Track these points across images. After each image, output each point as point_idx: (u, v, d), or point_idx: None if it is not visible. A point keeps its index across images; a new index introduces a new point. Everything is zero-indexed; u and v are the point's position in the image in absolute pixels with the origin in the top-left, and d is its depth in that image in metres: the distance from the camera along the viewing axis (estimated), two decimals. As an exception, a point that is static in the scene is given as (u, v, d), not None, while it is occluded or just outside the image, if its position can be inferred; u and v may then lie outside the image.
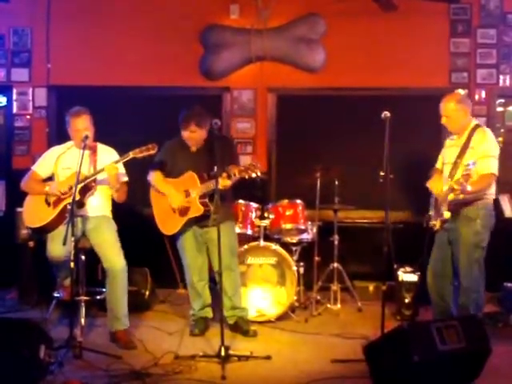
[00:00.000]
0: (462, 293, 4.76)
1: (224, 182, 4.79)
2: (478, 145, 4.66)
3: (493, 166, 4.65)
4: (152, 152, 4.78)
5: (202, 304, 5.28)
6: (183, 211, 5.06)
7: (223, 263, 4.94)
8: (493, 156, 4.66)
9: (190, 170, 5.04)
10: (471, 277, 4.71)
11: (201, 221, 5.06)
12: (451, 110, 4.75)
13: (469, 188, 4.33)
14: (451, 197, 4.54)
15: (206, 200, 4.96)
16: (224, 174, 4.77)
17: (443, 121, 4.83)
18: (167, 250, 6.20)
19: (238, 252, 5.39)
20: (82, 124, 4.93)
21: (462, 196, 4.48)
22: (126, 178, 5.10)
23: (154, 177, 5.21)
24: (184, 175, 5.06)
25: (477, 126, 4.79)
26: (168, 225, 5.15)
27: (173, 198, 5.05)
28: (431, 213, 4.92)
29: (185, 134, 5.08)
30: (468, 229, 4.69)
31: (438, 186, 4.79)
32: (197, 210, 4.99)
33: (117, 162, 4.84)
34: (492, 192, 4.78)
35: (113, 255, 4.88)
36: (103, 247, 4.92)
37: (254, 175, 4.74)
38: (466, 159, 4.64)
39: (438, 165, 5.07)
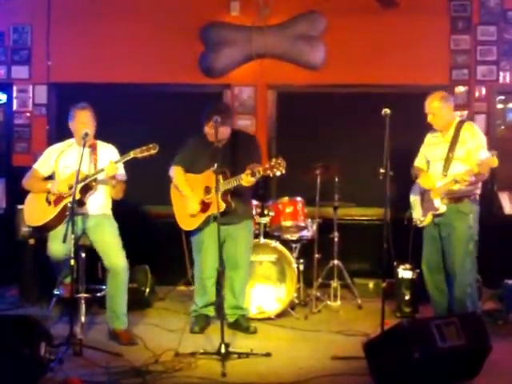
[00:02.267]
0: (457, 287, 4.84)
1: (248, 179, 4.76)
2: (469, 139, 4.83)
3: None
4: (153, 152, 4.74)
5: (206, 301, 5.26)
6: (204, 207, 5.05)
7: (237, 261, 5.11)
8: (484, 147, 4.78)
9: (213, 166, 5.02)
10: (465, 270, 4.80)
11: (221, 217, 5.04)
12: (436, 108, 4.92)
13: (473, 178, 4.55)
14: (457, 187, 4.67)
15: (228, 197, 4.96)
16: (248, 171, 4.75)
17: (429, 119, 4.98)
18: (182, 245, 6.17)
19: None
20: (80, 118, 4.95)
21: (466, 186, 4.64)
22: (125, 178, 5.10)
23: (175, 173, 5.21)
24: (207, 171, 5.03)
25: (462, 122, 4.99)
26: (188, 220, 5.15)
27: (190, 202, 5.06)
28: (415, 210, 5.08)
29: (206, 128, 5.07)
30: (462, 223, 4.81)
31: (430, 181, 4.92)
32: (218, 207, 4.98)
33: (117, 161, 4.82)
34: (479, 187, 4.92)
35: (114, 255, 4.88)
36: (104, 246, 4.91)
37: (278, 173, 4.68)
38: (457, 153, 4.81)
39: (420, 164, 5.19)
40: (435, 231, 4.97)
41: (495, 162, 4.41)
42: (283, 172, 4.69)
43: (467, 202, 4.82)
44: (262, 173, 4.72)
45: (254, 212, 5.71)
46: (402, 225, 6.43)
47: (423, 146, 5.19)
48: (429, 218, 4.93)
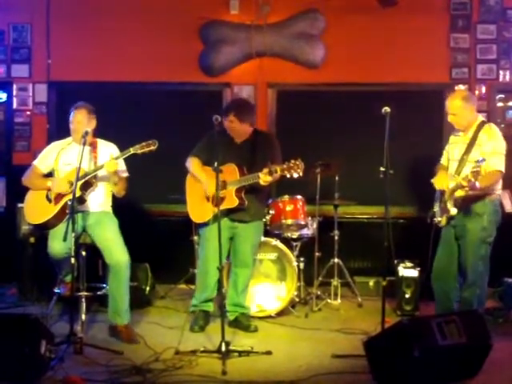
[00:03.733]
0: (467, 288, 4.78)
1: (265, 178, 4.76)
2: (486, 142, 4.66)
3: (500, 164, 4.65)
4: (152, 148, 4.74)
5: (206, 297, 5.24)
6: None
7: (244, 260, 5.13)
8: (501, 153, 4.67)
9: (232, 161, 5.00)
10: (476, 272, 4.72)
11: (233, 214, 5.04)
12: (458, 108, 4.74)
13: (477, 185, 4.34)
14: (459, 193, 4.56)
15: (242, 194, 4.96)
16: (266, 170, 4.74)
17: (450, 119, 4.82)
18: (192, 239, 6.14)
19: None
20: (75, 117, 4.96)
21: (469, 192, 4.50)
22: (126, 174, 5.10)
23: (192, 163, 5.20)
24: (224, 166, 4.98)
25: (483, 123, 4.79)
26: (199, 212, 5.14)
27: (208, 186, 5.01)
28: (436, 209, 4.92)
29: (225, 123, 5.07)
30: (475, 224, 4.69)
31: (444, 182, 4.76)
32: (231, 202, 4.95)
33: (117, 158, 4.82)
34: (499, 188, 4.79)
35: (116, 251, 4.86)
36: (106, 243, 4.90)
37: (295, 175, 4.66)
38: (472, 156, 4.65)
39: (444, 161, 5.06)
40: (451, 233, 4.84)
41: (481, 173, 4.26)
42: (301, 174, 4.68)
43: (482, 202, 4.67)
44: (279, 172, 4.72)
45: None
46: (403, 223, 6.49)
47: (447, 144, 5.04)
48: (444, 219, 4.79)
